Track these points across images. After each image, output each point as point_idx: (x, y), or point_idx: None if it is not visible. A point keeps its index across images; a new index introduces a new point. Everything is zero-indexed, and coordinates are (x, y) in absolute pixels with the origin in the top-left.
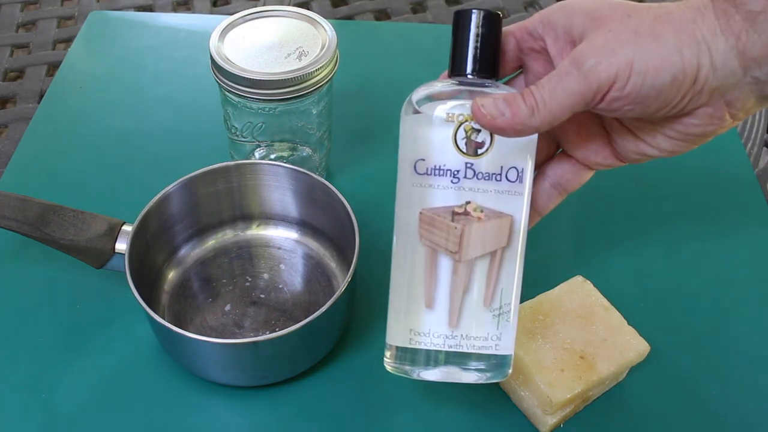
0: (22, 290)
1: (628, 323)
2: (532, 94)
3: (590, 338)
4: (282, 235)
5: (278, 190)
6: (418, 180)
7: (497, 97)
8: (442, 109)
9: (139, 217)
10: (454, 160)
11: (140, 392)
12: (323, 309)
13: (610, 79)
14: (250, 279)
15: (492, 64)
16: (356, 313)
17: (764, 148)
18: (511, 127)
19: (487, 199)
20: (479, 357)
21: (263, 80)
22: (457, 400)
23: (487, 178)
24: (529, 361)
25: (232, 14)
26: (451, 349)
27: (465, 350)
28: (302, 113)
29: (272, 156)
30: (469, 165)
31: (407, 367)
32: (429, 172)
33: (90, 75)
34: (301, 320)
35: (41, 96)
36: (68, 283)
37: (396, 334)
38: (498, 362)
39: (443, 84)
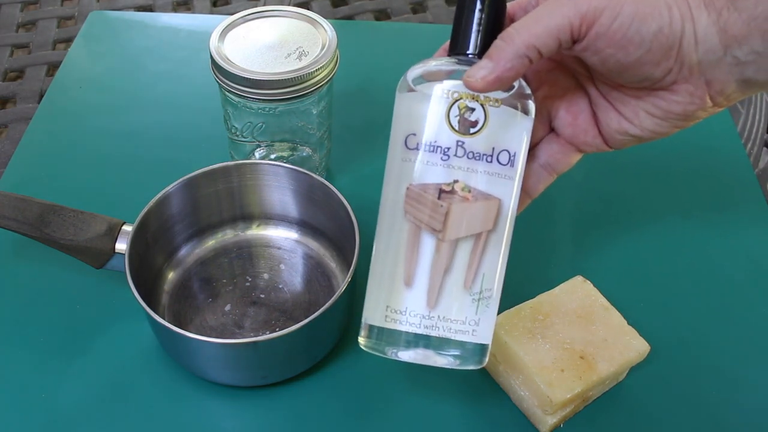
0: (22, 290)
1: (628, 323)
2: (510, 29)
3: (590, 338)
4: (282, 235)
5: (278, 190)
6: (407, 155)
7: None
8: (438, 86)
9: (139, 217)
10: (446, 137)
11: (140, 392)
12: (323, 309)
13: (599, 8)
14: (250, 279)
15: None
16: (356, 313)
17: (764, 148)
18: (502, 71)
19: (476, 179)
20: (455, 343)
21: (263, 80)
22: (457, 400)
23: (477, 158)
24: (529, 361)
25: (232, 14)
26: (426, 332)
27: (441, 334)
28: (302, 113)
29: (272, 156)
30: (460, 143)
31: (381, 347)
32: (419, 147)
33: (90, 75)
34: (301, 320)
35: (41, 96)
36: (68, 283)
37: (373, 312)
38: (474, 350)
39: (440, 62)
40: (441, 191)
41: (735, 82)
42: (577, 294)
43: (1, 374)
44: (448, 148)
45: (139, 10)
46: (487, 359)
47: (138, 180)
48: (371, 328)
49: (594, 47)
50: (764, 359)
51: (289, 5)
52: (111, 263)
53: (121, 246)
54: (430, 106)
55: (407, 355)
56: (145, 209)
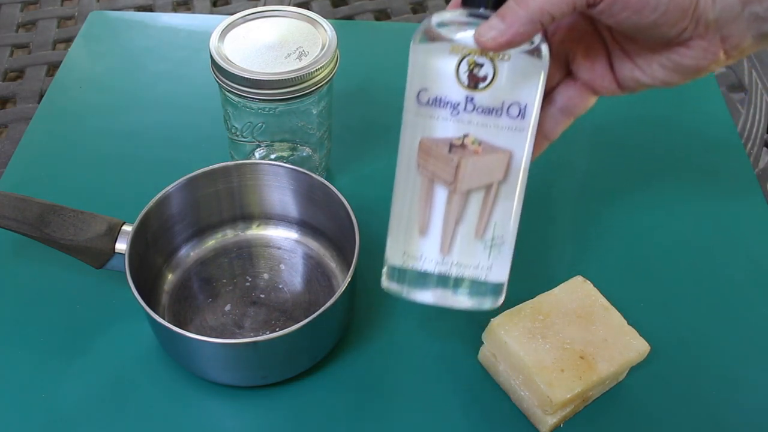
0: (22, 290)
1: (628, 323)
2: None
3: (590, 338)
4: (282, 235)
5: (278, 190)
6: (420, 110)
7: (490, 18)
8: (447, 41)
9: (139, 217)
10: (455, 92)
11: (140, 392)
12: (323, 309)
13: None
14: (250, 279)
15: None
16: (356, 313)
17: (764, 148)
18: (513, 35)
19: (486, 133)
20: (470, 282)
21: (263, 80)
22: (457, 400)
23: (487, 112)
24: (529, 361)
25: (232, 14)
26: (442, 273)
27: (456, 274)
28: (302, 113)
29: (272, 156)
30: (469, 98)
31: (400, 287)
32: (430, 103)
33: (90, 75)
34: (301, 320)
35: (41, 96)
36: (68, 283)
37: (392, 255)
38: (488, 289)
39: (454, 14)
40: (452, 145)
41: (751, 37)
42: (577, 294)
43: (1, 374)
44: (458, 103)
45: (139, 10)
46: (502, 298)
47: (138, 180)
48: (392, 269)
49: (609, 11)
50: (764, 359)
51: (289, 5)
52: (111, 263)
53: (121, 246)
54: (441, 61)
55: (425, 296)
56: (145, 209)
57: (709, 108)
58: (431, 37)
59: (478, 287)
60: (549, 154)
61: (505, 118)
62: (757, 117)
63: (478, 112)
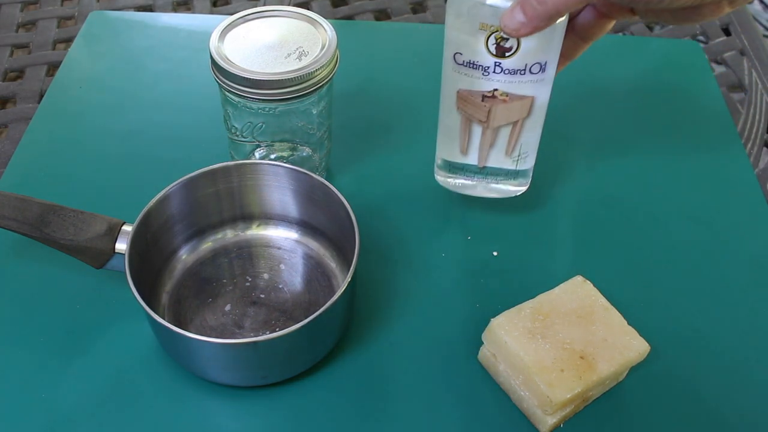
0: (22, 290)
1: (628, 323)
2: None
3: (590, 338)
4: (282, 235)
5: (278, 190)
6: (456, 68)
7: (513, 6)
8: (477, 17)
9: (139, 217)
10: (485, 59)
11: (140, 392)
12: (323, 309)
13: None
14: (250, 279)
15: None
16: (356, 313)
17: (764, 148)
18: (533, 28)
19: (512, 87)
20: (504, 171)
21: (263, 80)
22: (457, 400)
23: (512, 73)
24: (529, 361)
25: (232, 14)
26: (480, 177)
27: (492, 169)
28: (302, 113)
29: (272, 156)
30: (497, 63)
31: (448, 179)
32: (464, 64)
33: (90, 75)
34: (301, 320)
35: (41, 96)
36: (68, 283)
37: (441, 155)
38: (516, 176)
39: None
40: (483, 96)
41: None
42: (577, 294)
43: (1, 374)
44: (488, 67)
45: (139, 10)
46: (529, 181)
47: (138, 180)
48: (442, 161)
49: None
50: (764, 359)
51: (289, 5)
52: (111, 263)
53: (121, 246)
54: (473, 33)
55: (468, 188)
56: (145, 209)
57: (709, 108)
58: (463, 4)
59: (509, 174)
60: (549, 154)
61: (528, 74)
62: (757, 117)
63: (505, 73)
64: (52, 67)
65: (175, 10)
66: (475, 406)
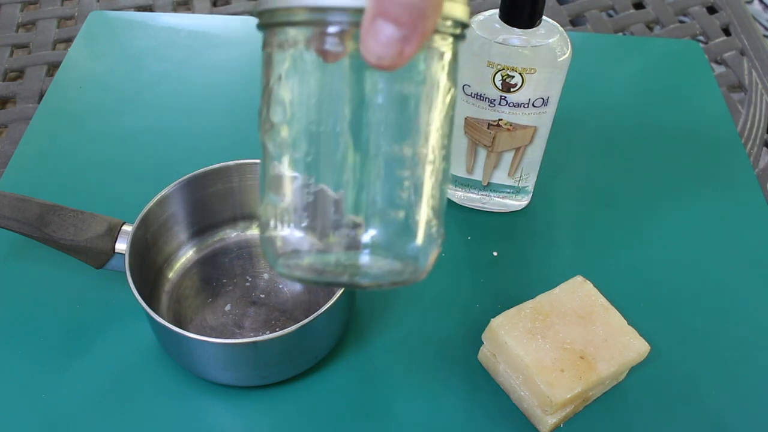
0: (22, 290)
1: (628, 323)
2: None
3: (590, 338)
4: None
5: None
6: (465, 97)
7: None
8: (486, 55)
9: (139, 217)
10: (492, 92)
11: (140, 392)
12: (323, 309)
13: None
14: (250, 279)
15: (529, 16)
16: (356, 313)
17: (764, 148)
18: (400, 60)
19: (516, 118)
20: (506, 186)
21: None
22: (457, 400)
23: (516, 106)
24: (529, 361)
25: (232, 14)
26: (483, 193)
27: (495, 189)
28: None
29: None
30: (503, 97)
31: (456, 192)
32: (472, 95)
33: (90, 75)
34: (301, 320)
35: (41, 96)
36: (68, 283)
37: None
38: (518, 193)
39: (489, 24)
40: (489, 124)
41: None
42: (577, 294)
43: (1, 374)
44: (494, 100)
45: (139, 10)
46: (530, 196)
47: (138, 180)
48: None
49: None
50: (764, 359)
51: None
52: (111, 263)
53: (121, 246)
54: (481, 68)
55: (472, 200)
56: (145, 209)
57: (709, 108)
58: (469, 36)
59: (510, 188)
60: (550, 154)
61: (531, 107)
62: (757, 117)
63: (510, 105)
64: (52, 67)
65: (175, 10)
66: (475, 406)
